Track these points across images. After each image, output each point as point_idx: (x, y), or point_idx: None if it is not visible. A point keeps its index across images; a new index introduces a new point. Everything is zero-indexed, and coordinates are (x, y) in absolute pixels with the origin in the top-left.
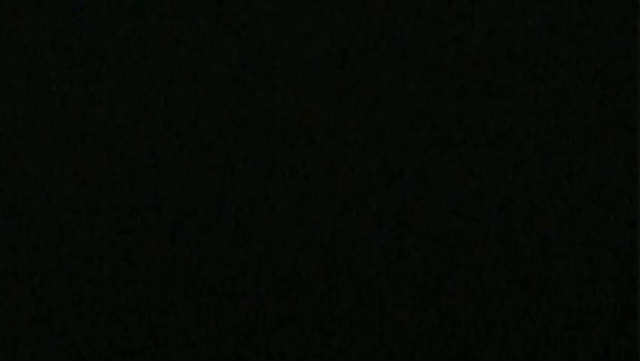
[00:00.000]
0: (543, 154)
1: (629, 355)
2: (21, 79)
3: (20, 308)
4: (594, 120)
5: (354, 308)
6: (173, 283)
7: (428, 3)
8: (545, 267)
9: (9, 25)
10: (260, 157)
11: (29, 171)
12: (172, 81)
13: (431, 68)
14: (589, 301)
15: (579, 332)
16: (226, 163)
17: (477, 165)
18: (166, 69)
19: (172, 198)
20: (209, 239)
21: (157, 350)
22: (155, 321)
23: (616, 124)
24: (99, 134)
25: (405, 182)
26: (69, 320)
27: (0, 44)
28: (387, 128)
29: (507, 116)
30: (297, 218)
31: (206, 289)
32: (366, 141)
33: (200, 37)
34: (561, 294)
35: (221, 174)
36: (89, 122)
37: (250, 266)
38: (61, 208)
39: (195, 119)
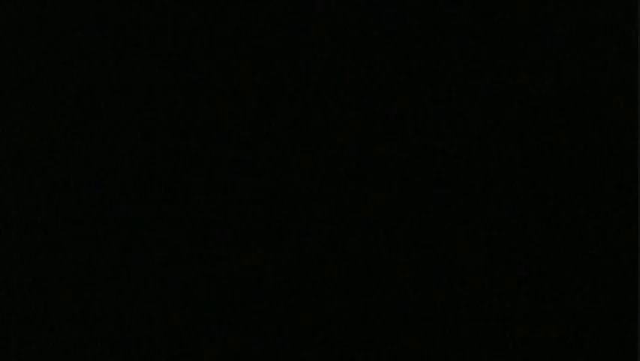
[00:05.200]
0: (543, 154)
1: (629, 355)
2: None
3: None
4: (594, 120)
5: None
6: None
7: (427, 3)
8: (545, 267)
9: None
10: (259, 158)
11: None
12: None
13: (430, 68)
14: (589, 301)
15: (579, 332)
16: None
17: (476, 164)
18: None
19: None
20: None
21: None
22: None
23: (616, 125)
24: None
25: (403, 183)
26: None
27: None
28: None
29: (507, 116)
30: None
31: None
32: (364, 142)
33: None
34: (561, 294)
35: (220, 175)
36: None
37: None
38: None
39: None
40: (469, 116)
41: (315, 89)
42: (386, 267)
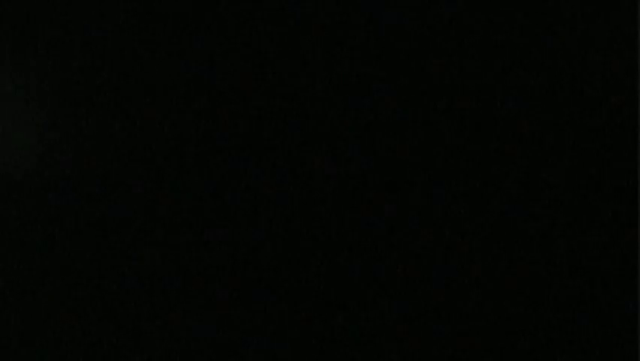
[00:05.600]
0: (543, 154)
1: (629, 355)
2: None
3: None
4: (594, 120)
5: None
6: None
7: (427, 3)
8: (545, 267)
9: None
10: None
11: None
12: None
13: (430, 68)
14: (589, 301)
15: (579, 332)
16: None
17: (477, 164)
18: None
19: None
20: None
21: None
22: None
23: (616, 124)
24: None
25: (403, 182)
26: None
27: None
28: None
29: (507, 116)
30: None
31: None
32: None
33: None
34: (561, 294)
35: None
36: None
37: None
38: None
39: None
40: (467, 115)
41: (316, 88)
42: (385, 267)
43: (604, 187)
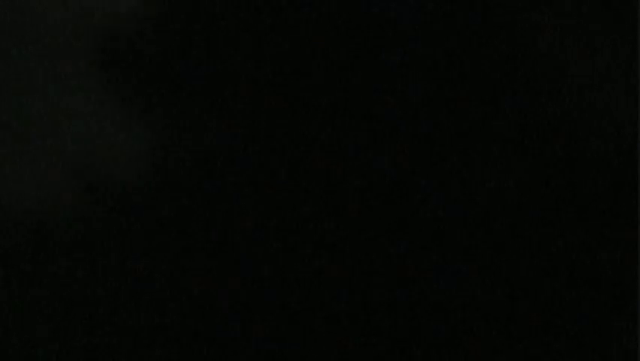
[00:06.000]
0: (542, 155)
1: (629, 355)
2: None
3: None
4: (594, 120)
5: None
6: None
7: (427, 2)
8: (545, 267)
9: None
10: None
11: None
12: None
13: (428, 72)
14: (589, 301)
15: (579, 332)
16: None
17: (477, 164)
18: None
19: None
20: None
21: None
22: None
23: (616, 124)
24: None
25: (403, 182)
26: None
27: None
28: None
29: (507, 116)
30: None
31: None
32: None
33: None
34: (561, 294)
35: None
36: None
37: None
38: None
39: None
40: (467, 115)
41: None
42: (386, 268)
43: (604, 187)
